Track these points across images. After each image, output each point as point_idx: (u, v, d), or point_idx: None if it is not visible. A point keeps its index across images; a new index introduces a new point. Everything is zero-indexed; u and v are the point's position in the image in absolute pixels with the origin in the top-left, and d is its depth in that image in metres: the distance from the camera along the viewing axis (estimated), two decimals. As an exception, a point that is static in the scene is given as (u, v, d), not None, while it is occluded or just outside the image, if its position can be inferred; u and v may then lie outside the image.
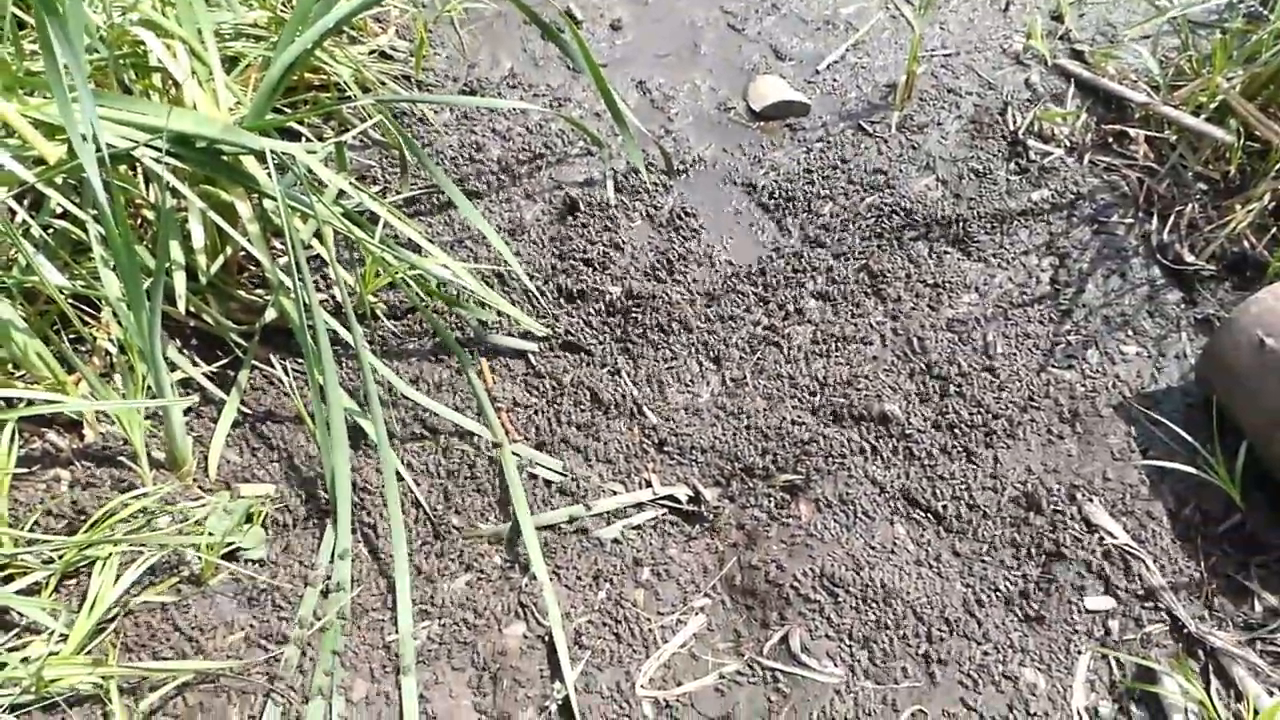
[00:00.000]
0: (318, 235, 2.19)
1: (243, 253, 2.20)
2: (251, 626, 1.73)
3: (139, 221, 2.16)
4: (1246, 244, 2.41)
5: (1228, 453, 1.97)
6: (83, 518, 1.75)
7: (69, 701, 1.58)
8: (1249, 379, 1.94)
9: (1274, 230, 2.40)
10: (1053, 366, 2.23)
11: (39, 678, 1.53)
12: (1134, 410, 2.14)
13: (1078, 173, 2.62)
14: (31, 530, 1.72)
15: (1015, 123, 2.73)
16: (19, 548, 1.67)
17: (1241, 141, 2.51)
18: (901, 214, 2.52)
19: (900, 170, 2.63)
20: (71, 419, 1.92)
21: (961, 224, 2.50)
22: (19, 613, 1.62)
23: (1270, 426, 1.91)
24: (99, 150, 1.55)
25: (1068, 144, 2.69)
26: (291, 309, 2.02)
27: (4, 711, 1.52)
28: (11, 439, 1.75)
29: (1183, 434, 2.05)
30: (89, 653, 1.62)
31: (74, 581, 1.71)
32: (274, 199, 1.96)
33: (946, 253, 2.47)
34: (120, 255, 1.68)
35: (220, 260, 2.04)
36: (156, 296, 1.71)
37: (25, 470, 1.82)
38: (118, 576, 1.65)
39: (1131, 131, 2.66)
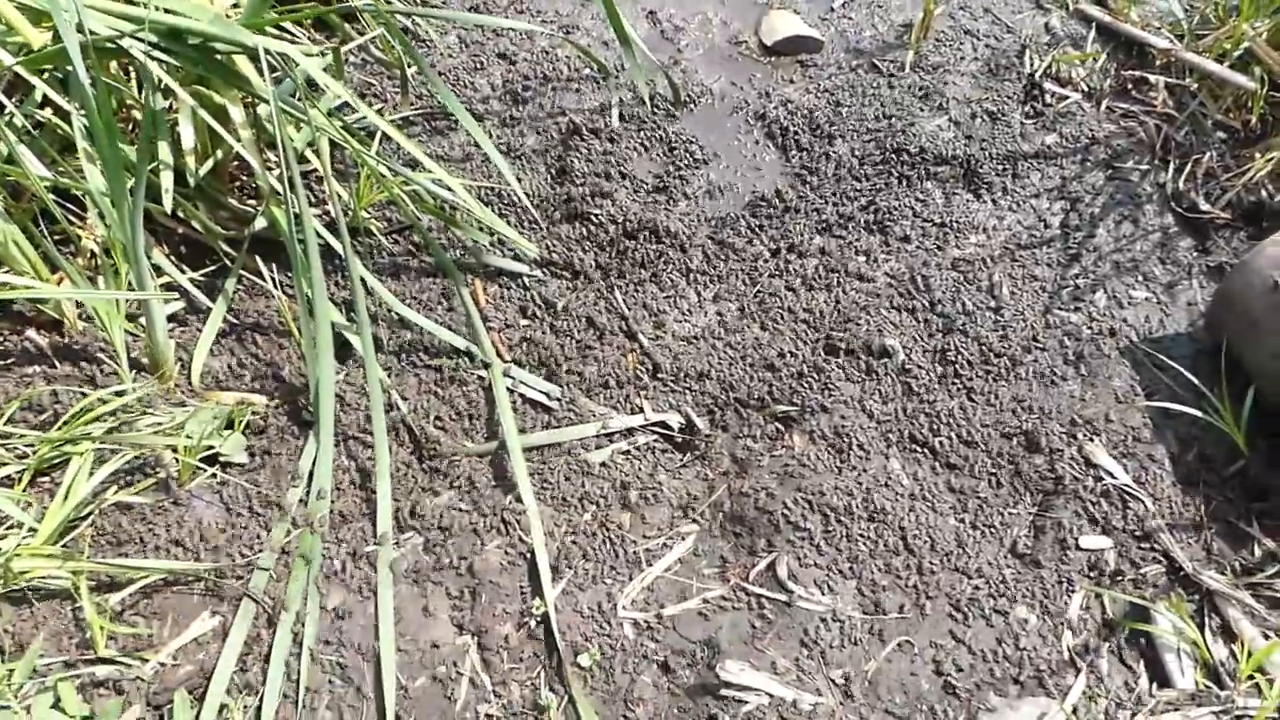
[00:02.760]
0: (312, 146, 2.14)
1: (235, 161, 2.15)
2: (228, 531, 1.70)
3: (130, 125, 2.11)
4: (1264, 192, 2.34)
5: (1234, 398, 1.92)
6: (59, 415, 1.72)
7: (39, 595, 1.55)
8: (1260, 321, 1.89)
9: (1296, 181, 2.33)
10: (1058, 309, 2.17)
11: (7, 568, 1.50)
12: (1140, 354, 2.09)
13: (1094, 118, 2.55)
14: (7, 424, 1.68)
15: (1032, 66, 2.66)
16: (-7, 440, 1.64)
17: (1265, 90, 2.44)
18: (911, 153, 2.46)
19: (912, 110, 2.56)
20: (53, 318, 1.88)
21: (972, 165, 2.44)
22: (-8, 506, 1.58)
23: (1278, 368, 1.86)
24: (85, 37, 1.50)
25: (1085, 89, 2.61)
26: (282, 219, 1.97)
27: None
28: (-12, 332, 1.71)
29: (1189, 378, 2.00)
30: (64, 546, 1.59)
31: (47, 478, 1.68)
32: (268, 103, 1.90)
33: (955, 193, 2.41)
34: (104, 147, 1.63)
35: (210, 164, 1.99)
36: (139, 190, 1.66)
37: (2, 364, 1.78)
38: (92, 473, 1.62)
39: (1151, 78, 2.59)
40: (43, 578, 1.53)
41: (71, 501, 1.58)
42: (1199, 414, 1.92)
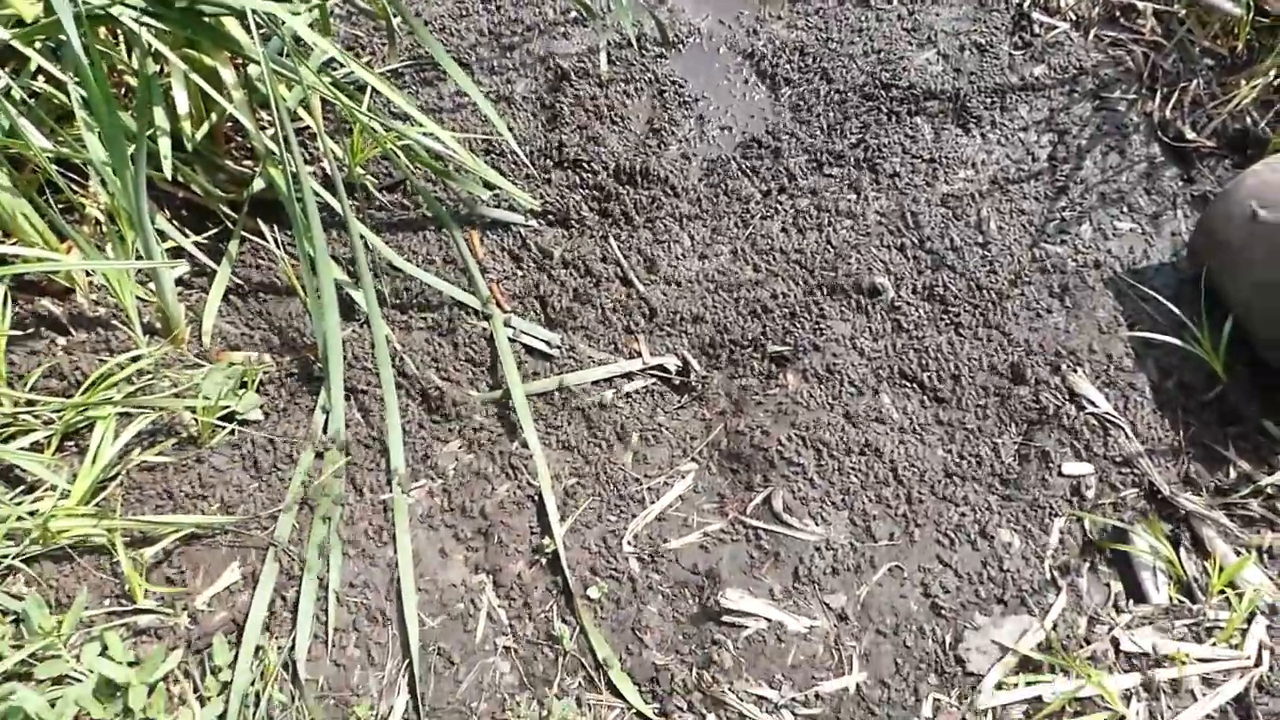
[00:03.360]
0: (304, 104, 2.16)
1: (229, 123, 2.17)
2: (249, 485, 1.78)
3: (123, 90, 2.13)
4: (1249, 120, 2.37)
5: (1213, 327, 1.98)
6: (80, 381, 1.78)
7: (78, 552, 1.64)
8: (1239, 249, 1.94)
9: (1278, 106, 2.35)
10: (1045, 242, 2.22)
11: (46, 529, 1.58)
12: (1124, 285, 2.15)
13: (1082, 47, 2.56)
14: (31, 391, 1.75)
15: (1020, -6, 2.66)
16: (19, 408, 1.70)
17: (1251, 15, 2.44)
18: (900, 88, 2.47)
19: (900, 44, 2.57)
20: (64, 287, 1.93)
21: (961, 99, 2.46)
22: (23, 470, 1.66)
23: (1255, 296, 1.92)
24: (76, 6, 1.52)
25: (1074, 18, 2.62)
26: (279, 179, 2.00)
27: (19, 562, 1.58)
28: (4, 303, 1.77)
29: (1171, 308, 2.06)
30: (96, 505, 1.67)
31: (73, 442, 1.75)
32: (258, 63, 1.92)
33: (944, 128, 2.43)
34: (102, 116, 1.66)
35: (206, 128, 2.02)
36: (140, 157, 1.70)
37: (20, 333, 1.84)
38: (116, 435, 1.69)
39: (1139, 4, 2.59)
40: (80, 536, 1.62)
41: (100, 463, 1.65)
42: (1179, 343, 1.99)
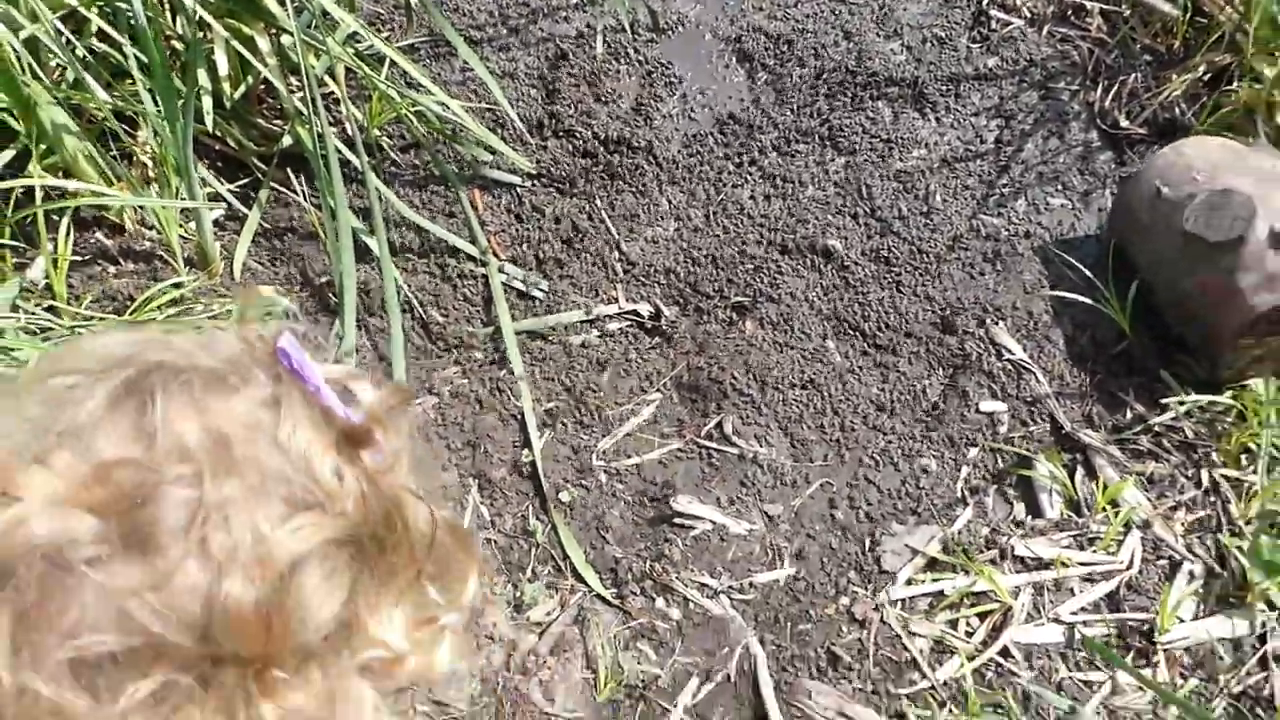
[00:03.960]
0: (330, 72, 2.44)
1: (263, 86, 2.46)
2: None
3: (170, 53, 2.41)
4: (1177, 110, 2.62)
5: (1122, 291, 2.24)
6: (130, 302, 2.07)
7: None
8: (1145, 223, 2.20)
9: (1204, 99, 2.60)
10: (983, 214, 2.49)
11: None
12: (1051, 253, 2.41)
13: (1034, 42, 2.82)
14: (87, 309, 2.04)
15: (981, -7, 2.92)
16: (76, 321, 1.99)
17: (1188, 15, 2.70)
18: (865, 75, 2.74)
19: (868, 35, 2.83)
20: (117, 224, 2.22)
21: (919, 86, 2.72)
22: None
23: (1157, 265, 2.18)
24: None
25: (1029, 15, 2.87)
26: (306, 136, 2.29)
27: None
28: (67, 232, 2.06)
29: (1088, 274, 2.32)
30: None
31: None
32: (290, 34, 2.21)
33: (903, 112, 2.70)
34: (156, 74, 1.95)
35: (242, 89, 2.30)
36: (188, 111, 1.98)
37: (78, 258, 2.13)
38: (161, 345, 1.98)
39: (1088, 4, 2.85)
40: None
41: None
42: (1091, 303, 2.25)
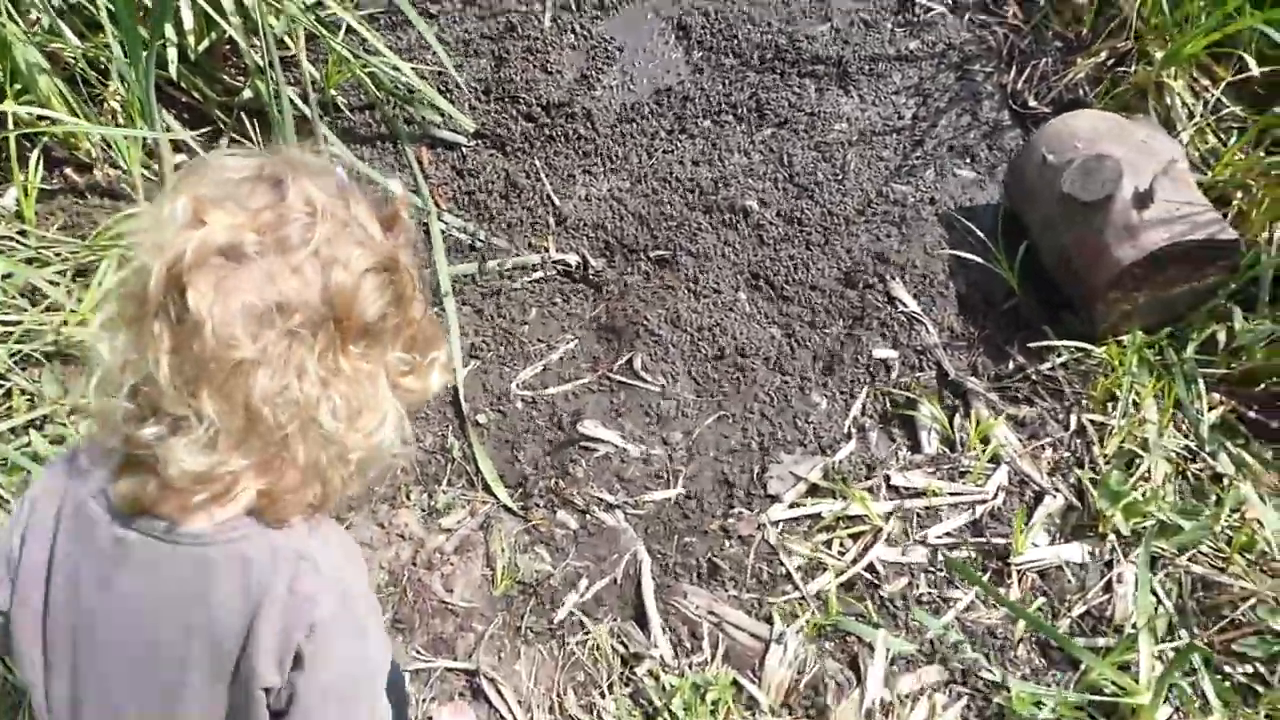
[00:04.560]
0: (291, 34, 2.62)
1: (227, 45, 2.64)
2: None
3: (140, 9, 2.60)
4: (1081, 91, 2.81)
5: (1012, 251, 2.42)
6: (94, 228, 2.26)
7: (81, 356, 2.11)
8: (1033, 188, 2.38)
9: (1105, 81, 2.78)
10: (894, 182, 2.67)
11: (59, 333, 2.06)
12: (953, 219, 2.59)
13: (955, 27, 3.01)
14: (54, 234, 2.23)
15: (910, -19, 3.10)
16: (42, 243, 2.18)
17: (1096, 4, 2.88)
18: (793, 53, 2.92)
19: (800, 17, 3.02)
20: (84, 162, 2.41)
21: (844, 65, 2.91)
22: (44, 292, 2.13)
23: (1042, 227, 2.36)
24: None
25: (951, 2, 3.06)
26: (264, 90, 2.47)
27: (40, 355, 2.05)
28: (37, 163, 2.24)
29: (984, 238, 2.50)
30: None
31: (84, 278, 2.22)
32: (250, -6, 2.39)
33: (827, 89, 2.88)
34: (126, 24, 2.14)
35: (207, 43, 2.49)
36: (151, 60, 2.17)
37: (47, 188, 2.31)
38: (119, 268, 2.16)
39: (1008, -7, 3.03)
40: (83, 342, 2.09)
41: (103, 289, 2.12)
42: (983, 262, 2.43)
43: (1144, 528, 1.99)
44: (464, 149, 2.69)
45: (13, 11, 2.15)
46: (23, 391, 2.02)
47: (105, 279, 2.15)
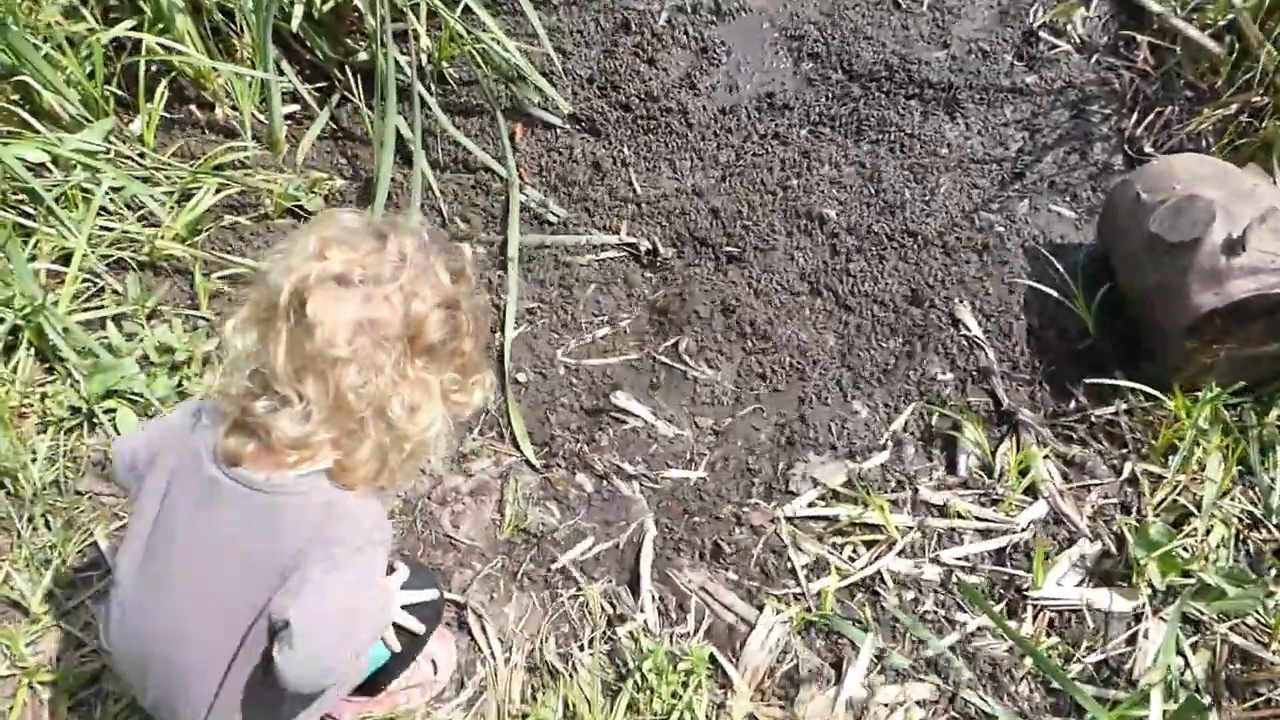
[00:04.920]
0: (414, 8, 2.78)
1: (354, 14, 2.83)
2: (299, 254, 2.39)
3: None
4: (1204, 142, 2.66)
5: (1095, 292, 2.31)
6: (200, 158, 2.45)
7: (170, 267, 2.29)
8: (1124, 227, 2.27)
9: (1229, 133, 2.63)
10: (984, 211, 2.59)
11: (153, 245, 2.24)
12: (1038, 253, 2.49)
13: (1078, 67, 2.90)
14: (169, 158, 2.43)
15: (1036, 18, 3.02)
16: (156, 165, 2.38)
17: (1233, 56, 2.73)
18: (904, 74, 2.89)
19: (917, 41, 2.98)
20: (206, 101, 2.62)
21: (954, 92, 2.85)
22: (145, 204, 2.32)
23: (1128, 267, 2.24)
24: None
25: (1079, 41, 2.96)
26: (378, 54, 2.63)
27: (132, 260, 2.23)
28: (162, 94, 2.46)
29: (1066, 276, 2.38)
30: (189, 242, 2.32)
31: (186, 201, 2.40)
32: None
33: (933, 114, 2.83)
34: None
35: (331, 3, 2.67)
36: (272, 7, 2.35)
37: (171, 118, 2.53)
38: (217, 193, 2.34)
39: (1139, 38, 2.91)
40: (174, 257, 2.26)
41: (198, 210, 2.30)
42: (1060, 298, 2.33)
43: (1182, 585, 1.84)
44: (558, 130, 2.78)
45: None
46: (114, 291, 2.20)
47: (202, 201, 2.32)
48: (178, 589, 1.25)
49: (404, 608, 1.46)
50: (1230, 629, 1.81)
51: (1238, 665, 1.78)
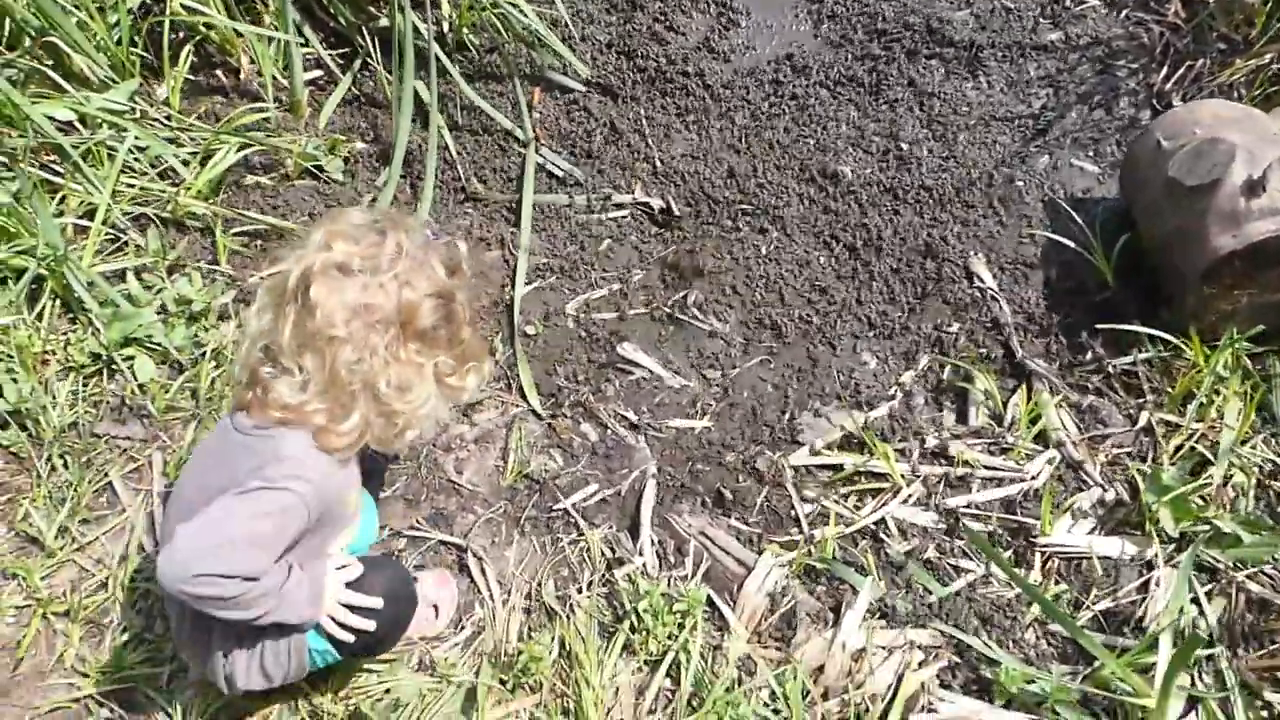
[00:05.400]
0: (434, -26, 2.82)
1: (378, -21, 2.87)
2: (319, 211, 2.43)
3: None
4: (1236, 94, 2.58)
5: (1110, 242, 2.26)
6: (220, 119, 2.51)
7: (191, 225, 2.35)
8: (1144, 176, 2.22)
9: (1260, 83, 2.55)
10: (1004, 167, 2.55)
11: (175, 201, 2.30)
12: (1058, 206, 2.44)
13: (1106, 22, 2.84)
14: (194, 120, 2.49)
15: (1064, -28, 2.96)
16: (180, 126, 2.44)
17: (1270, 5, 2.65)
18: (926, 34, 2.85)
19: (941, 1, 2.94)
20: (232, 66, 2.68)
21: (977, 50, 2.81)
22: (171, 166, 2.38)
23: (1147, 214, 2.19)
24: None
25: (1108, -3, 2.90)
26: (400, 20, 2.67)
27: (153, 215, 2.30)
28: (187, 57, 2.52)
29: (1084, 227, 2.34)
30: (210, 198, 2.37)
31: (207, 161, 2.46)
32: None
33: (955, 73, 2.79)
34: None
35: (355, -29, 2.71)
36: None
37: (195, 80, 2.59)
38: (239, 151, 2.39)
39: (1170, -10, 2.84)
40: (194, 214, 2.32)
41: (219, 169, 2.35)
42: (1077, 248, 2.28)
43: (1196, 532, 1.79)
44: (576, 93, 2.79)
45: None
46: (136, 245, 2.26)
47: (224, 159, 2.38)
48: (172, 520, 1.42)
49: (355, 609, 1.46)
50: (1248, 577, 1.76)
51: (1255, 614, 1.73)
